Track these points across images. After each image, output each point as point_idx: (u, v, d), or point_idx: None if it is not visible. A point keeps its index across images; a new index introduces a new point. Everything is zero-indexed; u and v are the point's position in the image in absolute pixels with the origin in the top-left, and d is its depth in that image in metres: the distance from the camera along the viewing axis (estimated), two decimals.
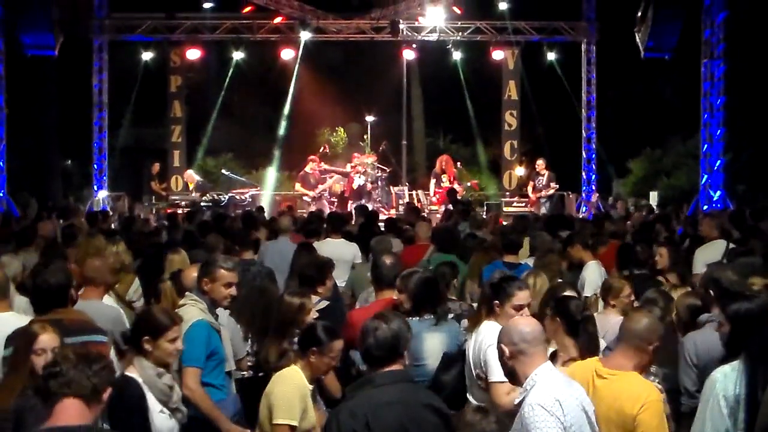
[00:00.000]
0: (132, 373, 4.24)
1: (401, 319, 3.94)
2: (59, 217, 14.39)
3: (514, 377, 3.74)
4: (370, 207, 15.51)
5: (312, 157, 19.41)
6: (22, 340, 4.24)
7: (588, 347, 4.80)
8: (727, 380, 4.07)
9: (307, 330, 4.71)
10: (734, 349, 4.22)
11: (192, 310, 5.12)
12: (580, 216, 17.98)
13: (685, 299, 5.40)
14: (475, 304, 6.73)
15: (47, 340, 4.20)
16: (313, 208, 17.34)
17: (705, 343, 4.69)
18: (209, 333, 5.02)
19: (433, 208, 18.13)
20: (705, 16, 18.53)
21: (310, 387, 4.53)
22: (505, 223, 13.54)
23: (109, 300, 6.08)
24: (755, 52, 20.44)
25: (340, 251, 8.48)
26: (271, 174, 22.55)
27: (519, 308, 4.93)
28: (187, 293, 5.43)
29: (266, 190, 20.72)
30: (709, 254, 8.47)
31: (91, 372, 3.12)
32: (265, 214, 14.60)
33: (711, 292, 5.03)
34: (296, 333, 5.13)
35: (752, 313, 4.31)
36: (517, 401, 3.66)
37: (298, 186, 19.04)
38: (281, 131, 23.20)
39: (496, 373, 4.69)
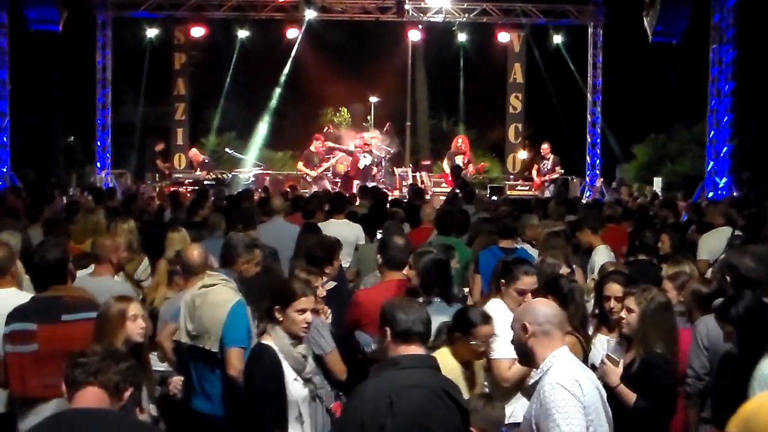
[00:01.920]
0: (268, 341, 4.37)
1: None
2: (61, 194, 14.41)
3: (528, 357, 3.69)
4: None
5: (317, 135, 19.32)
6: (112, 310, 4.40)
7: (576, 316, 5.01)
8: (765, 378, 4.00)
9: (458, 313, 4.68)
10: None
11: (227, 291, 5.07)
12: (584, 201, 17.93)
13: (691, 285, 5.39)
14: (466, 289, 6.78)
15: (136, 307, 4.46)
16: (314, 188, 17.33)
17: (717, 327, 4.67)
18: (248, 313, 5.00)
19: (439, 189, 18.07)
20: (714, 0, 18.37)
21: (461, 369, 4.50)
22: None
23: (118, 279, 6.08)
24: (764, 38, 20.28)
25: (343, 232, 8.43)
26: (254, 150, 22.53)
27: (522, 293, 5.00)
28: (209, 273, 5.30)
29: (249, 166, 20.59)
30: (713, 241, 8.44)
31: (117, 368, 3.17)
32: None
33: (727, 278, 5.01)
34: None
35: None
36: (532, 381, 3.65)
37: (300, 165, 18.94)
38: (272, 107, 23.15)
39: (498, 350, 4.82)
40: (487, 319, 4.59)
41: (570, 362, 3.62)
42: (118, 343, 4.25)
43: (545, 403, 3.45)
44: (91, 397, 3.10)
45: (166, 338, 5.33)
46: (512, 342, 3.81)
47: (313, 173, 18.40)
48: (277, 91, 23.28)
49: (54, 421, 3.08)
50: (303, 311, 4.38)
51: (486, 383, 4.84)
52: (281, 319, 4.37)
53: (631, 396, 4.38)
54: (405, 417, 3.38)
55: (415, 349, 3.65)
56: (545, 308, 3.73)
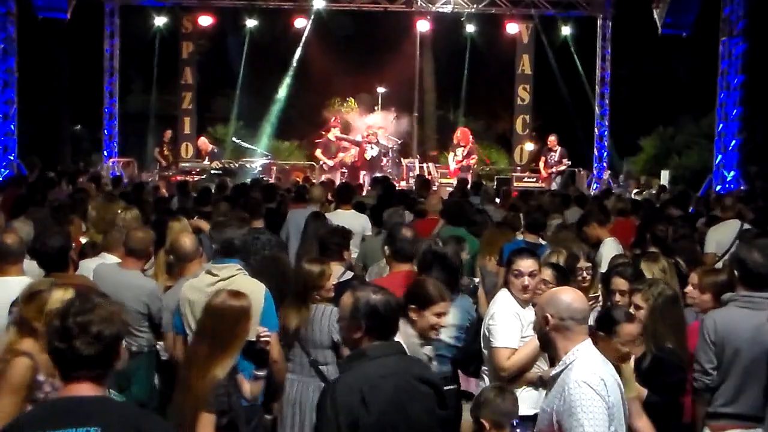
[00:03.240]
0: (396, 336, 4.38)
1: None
2: (68, 182, 14.42)
3: (549, 346, 3.62)
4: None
5: (333, 122, 19.23)
6: (231, 311, 4.27)
7: None
8: None
9: (601, 312, 4.51)
10: None
11: (251, 280, 5.11)
12: (591, 193, 17.91)
13: (709, 278, 5.35)
14: (476, 279, 6.77)
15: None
16: (327, 176, 17.33)
17: (725, 322, 4.65)
18: None
19: (445, 181, 18.06)
20: None
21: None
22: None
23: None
24: None
25: (350, 223, 8.40)
26: (262, 140, 22.46)
27: (519, 275, 5.03)
28: (223, 264, 5.25)
29: (256, 155, 20.52)
30: (721, 234, 8.43)
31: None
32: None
33: (736, 272, 4.98)
34: (317, 299, 5.14)
35: None
36: (553, 372, 3.58)
37: (318, 152, 18.85)
38: (279, 97, 23.07)
39: (499, 339, 4.90)
40: (630, 317, 4.38)
41: (594, 357, 3.54)
42: (237, 347, 4.26)
43: (570, 401, 3.38)
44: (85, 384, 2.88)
45: (175, 343, 5.23)
46: (534, 328, 3.77)
47: (331, 162, 18.34)
48: (285, 80, 23.23)
49: (50, 411, 2.91)
50: (440, 315, 4.42)
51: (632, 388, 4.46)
52: (416, 318, 4.38)
53: (643, 392, 4.36)
54: (378, 410, 3.36)
55: (386, 338, 3.60)
56: (569, 301, 3.60)
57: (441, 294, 4.44)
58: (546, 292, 3.86)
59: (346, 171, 18.54)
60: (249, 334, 4.37)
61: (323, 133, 19.76)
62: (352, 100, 24.63)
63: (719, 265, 7.57)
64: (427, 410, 3.54)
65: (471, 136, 19.17)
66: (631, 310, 4.67)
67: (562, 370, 3.52)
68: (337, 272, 5.84)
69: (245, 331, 4.31)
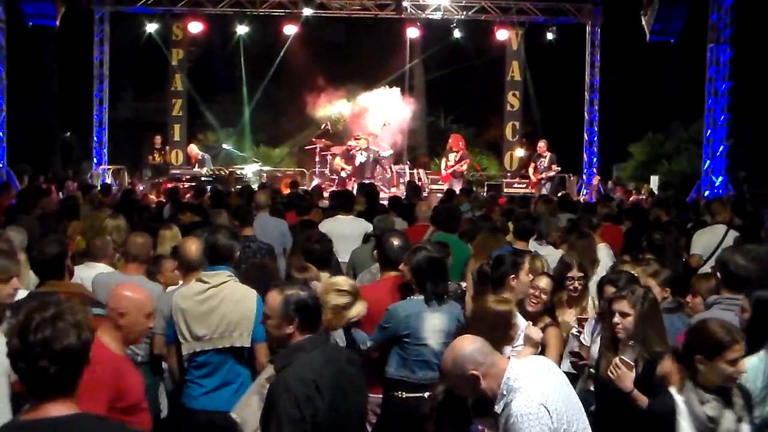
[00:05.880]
0: (675, 390, 3.85)
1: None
2: (58, 189, 14.41)
3: (487, 395, 3.40)
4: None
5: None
6: (490, 314, 4.45)
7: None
8: (755, 371, 3.86)
9: (694, 331, 3.97)
10: (756, 336, 4.16)
11: (242, 285, 5.11)
12: (581, 199, 18.00)
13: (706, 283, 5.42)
14: (463, 284, 6.80)
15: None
16: (313, 184, 17.40)
17: None
18: None
19: (436, 187, 18.12)
20: (712, 0, 18.40)
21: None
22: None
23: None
24: (761, 38, 20.33)
25: (351, 228, 8.51)
26: (251, 146, 22.42)
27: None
28: (214, 272, 5.17)
29: (246, 162, 20.51)
30: (707, 238, 8.50)
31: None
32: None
33: (718, 274, 5.03)
34: None
35: None
36: (498, 409, 3.38)
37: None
38: (269, 103, 23.01)
39: None
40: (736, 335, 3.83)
41: (530, 379, 3.38)
42: None
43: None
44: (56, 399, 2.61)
45: (168, 352, 5.21)
46: (464, 394, 3.55)
47: (350, 169, 18.41)
48: (275, 87, 23.23)
49: None
50: (735, 362, 3.74)
51: None
52: (704, 370, 3.75)
53: (644, 400, 4.34)
54: (328, 396, 3.53)
55: (314, 331, 3.78)
56: (476, 345, 3.46)
57: (733, 336, 3.74)
58: (445, 359, 3.53)
59: (336, 178, 18.57)
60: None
61: (314, 140, 19.84)
62: None
63: (705, 267, 7.67)
64: (359, 390, 3.82)
65: (462, 143, 19.23)
66: (616, 318, 4.64)
67: (505, 405, 3.34)
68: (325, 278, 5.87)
69: (505, 337, 4.49)
